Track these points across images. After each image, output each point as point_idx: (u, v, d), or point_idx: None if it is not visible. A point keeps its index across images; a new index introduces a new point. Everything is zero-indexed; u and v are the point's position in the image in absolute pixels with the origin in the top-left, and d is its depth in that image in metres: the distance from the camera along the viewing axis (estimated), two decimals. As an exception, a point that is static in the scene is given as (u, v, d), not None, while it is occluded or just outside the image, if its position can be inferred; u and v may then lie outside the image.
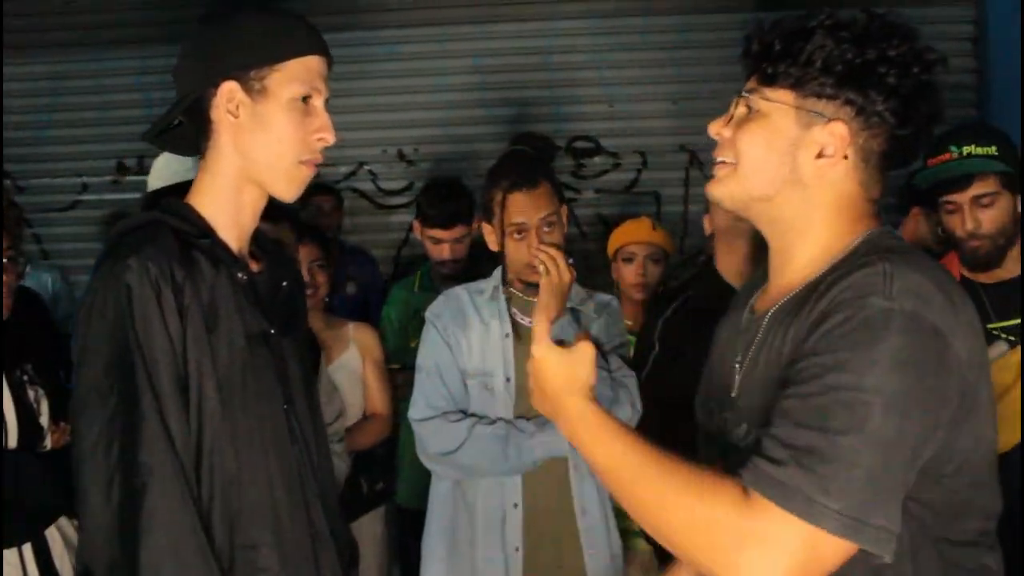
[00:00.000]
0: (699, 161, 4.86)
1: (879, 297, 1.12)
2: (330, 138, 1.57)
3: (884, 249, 1.21)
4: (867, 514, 1.07)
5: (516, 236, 2.38)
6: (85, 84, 5.09)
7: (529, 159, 2.61)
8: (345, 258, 3.92)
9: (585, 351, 1.33)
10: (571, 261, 2.35)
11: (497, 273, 2.49)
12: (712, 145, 1.38)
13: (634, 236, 3.27)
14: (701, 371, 2.41)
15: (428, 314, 2.48)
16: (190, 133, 1.61)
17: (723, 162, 1.34)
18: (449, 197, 3.22)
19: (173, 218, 1.54)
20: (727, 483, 1.12)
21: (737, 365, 1.38)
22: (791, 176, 1.27)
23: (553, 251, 2.31)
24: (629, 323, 3.16)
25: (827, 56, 1.22)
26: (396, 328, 3.32)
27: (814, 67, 1.23)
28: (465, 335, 2.41)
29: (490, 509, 2.35)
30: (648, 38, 4.96)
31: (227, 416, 1.50)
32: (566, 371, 1.30)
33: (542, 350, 1.33)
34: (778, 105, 1.26)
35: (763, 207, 1.31)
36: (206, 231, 1.55)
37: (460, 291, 2.50)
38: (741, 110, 1.32)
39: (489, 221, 2.46)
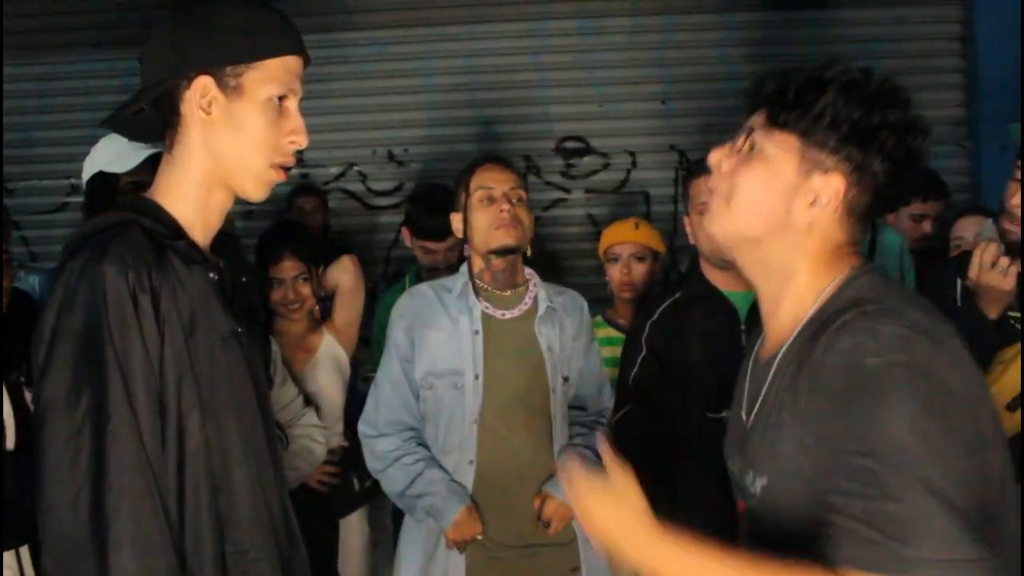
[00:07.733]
0: (688, 160, 4.81)
1: (871, 356, 1.16)
2: (303, 141, 1.51)
3: (864, 301, 1.25)
4: (958, 552, 1.10)
5: (484, 202, 2.35)
6: (73, 86, 5.08)
7: None
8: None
9: (621, 482, 1.28)
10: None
11: (464, 269, 2.43)
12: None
13: (617, 236, 3.29)
14: (687, 373, 2.43)
15: (393, 314, 2.44)
16: (154, 122, 1.53)
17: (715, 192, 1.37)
18: (441, 208, 3.17)
19: (145, 218, 1.47)
20: (815, 569, 1.15)
21: (743, 414, 1.41)
22: (783, 220, 1.31)
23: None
24: (622, 322, 3.18)
25: (836, 113, 1.28)
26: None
27: (823, 122, 1.28)
28: (432, 334, 2.37)
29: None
30: (636, 38, 4.97)
31: (211, 421, 1.45)
32: (616, 514, 1.26)
33: (589, 502, 1.28)
34: (784, 150, 1.31)
35: (752, 248, 1.35)
36: (179, 232, 1.49)
37: (426, 289, 2.46)
38: (746, 146, 1.35)
39: (457, 208, 2.42)
